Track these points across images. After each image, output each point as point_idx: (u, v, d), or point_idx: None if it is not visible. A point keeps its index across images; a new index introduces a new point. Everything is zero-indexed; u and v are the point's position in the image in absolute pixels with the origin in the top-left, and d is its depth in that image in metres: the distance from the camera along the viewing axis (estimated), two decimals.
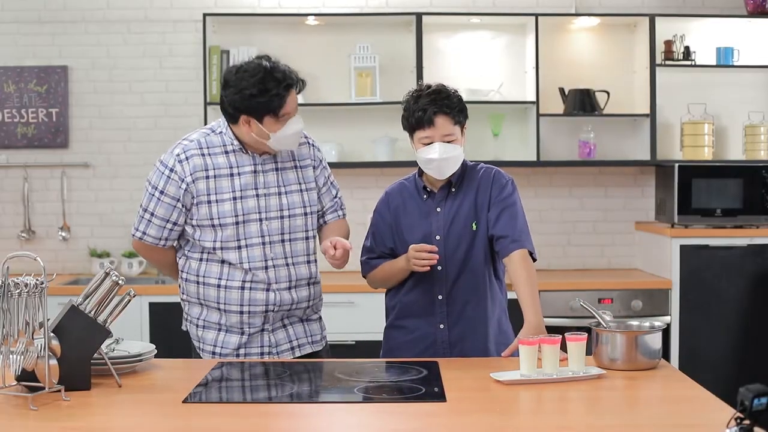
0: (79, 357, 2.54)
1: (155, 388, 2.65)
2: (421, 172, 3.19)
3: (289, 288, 3.14)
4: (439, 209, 3.14)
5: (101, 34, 5.48)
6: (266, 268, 3.10)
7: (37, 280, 2.47)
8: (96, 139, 5.51)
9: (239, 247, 3.09)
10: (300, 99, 5.21)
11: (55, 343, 2.50)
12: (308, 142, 3.29)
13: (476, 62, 5.47)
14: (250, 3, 5.49)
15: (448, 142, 3.05)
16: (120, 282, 2.59)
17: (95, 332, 2.57)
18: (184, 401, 2.45)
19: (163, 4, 5.49)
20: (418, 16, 5.24)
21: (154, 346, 2.87)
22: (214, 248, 3.09)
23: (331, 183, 3.31)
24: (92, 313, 2.58)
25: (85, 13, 5.48)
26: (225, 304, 3.11)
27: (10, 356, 2.44)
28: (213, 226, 3.09)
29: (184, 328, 3.29)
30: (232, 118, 3.09)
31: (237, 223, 3.08)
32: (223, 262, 3.11)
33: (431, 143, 3.05)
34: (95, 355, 2.58)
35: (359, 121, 5.45)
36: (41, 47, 5.48)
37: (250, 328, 3.13)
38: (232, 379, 2.78)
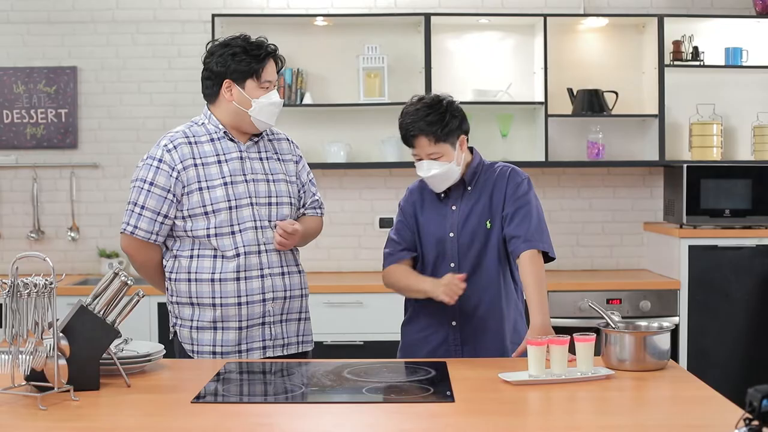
0: (88, 357, 2.54)
1: (164, 388, 2.65)
2: None
3: (282, 274, 3.15)
4: (454, 207, 3.17)
5: (110, 34, 5.50)
6: (259, 252, 3.11)
7: (46, 280, 2.48)
8: (105, 139, 5.52)
9: (233, 233, 3.09)
10: (308, 99, 5.31)
11: (64, 343, 2.51)
12: (287, 138, 3.33)
13: (485, 63, 5.47)
14: (259, 4, 5.50)
15: (435, 159, 3.07)
16: (129, 282, 2.60)
17: (104, 332, 2.58)
18: (193, 401, 2.45)
19: (172, 5, 5.50)
20: (427, 16, 5.24)
21: (163, 347, 2.88)
22: (208, 236, 3.08)
23: (311, 181, 3.33)
24: (101, 313, 2.59)
25: (94, 13, 5.50)
26: (221, 298, 3.08)
27: (20, 356, 2.45)
28: (206, 213, 3.08)
29: (170, 336, 3.22)
30: (213, 91, 3.14)
31: (230, 207, 3.09)
32: (215, 256, 3.09)
33: (421, 160, 3.10)
34: (104, 355, 2.59)
35: (367, 121, 5.45)
36: (50, 48, 5.50)
37: (248, 321, 3.10)
38: (240, 379, 2.78)
